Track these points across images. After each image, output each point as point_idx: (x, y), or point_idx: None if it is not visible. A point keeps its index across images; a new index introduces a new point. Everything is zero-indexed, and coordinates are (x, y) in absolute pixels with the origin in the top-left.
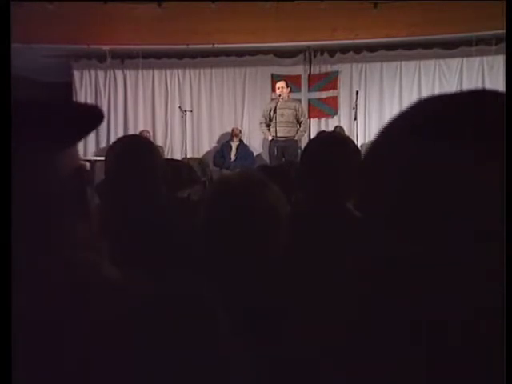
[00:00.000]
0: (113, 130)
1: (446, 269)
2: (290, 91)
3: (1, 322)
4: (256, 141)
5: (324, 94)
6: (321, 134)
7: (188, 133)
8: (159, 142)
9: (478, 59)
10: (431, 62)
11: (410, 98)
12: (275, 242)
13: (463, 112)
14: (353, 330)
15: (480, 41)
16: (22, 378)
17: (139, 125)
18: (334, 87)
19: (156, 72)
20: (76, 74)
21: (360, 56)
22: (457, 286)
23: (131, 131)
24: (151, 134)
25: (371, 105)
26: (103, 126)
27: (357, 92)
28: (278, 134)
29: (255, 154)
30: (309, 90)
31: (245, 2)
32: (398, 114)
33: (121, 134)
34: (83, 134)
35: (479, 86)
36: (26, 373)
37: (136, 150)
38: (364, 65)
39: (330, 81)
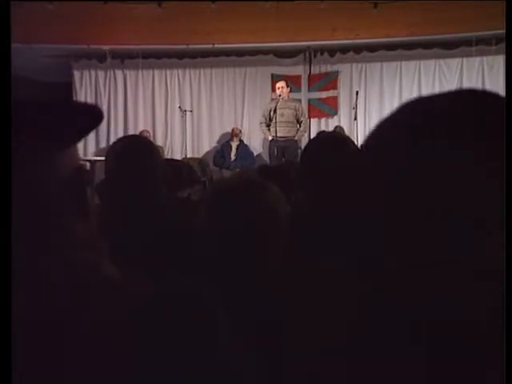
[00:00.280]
0: (113, 130)
1: (445, 269)
2: (290, 91)
3: (1, 322)
4: (256, 141)
5: (324, 94)
6: (321, 133)
7: (188, 133)
8: (159, 142)
9: (478, 59)
10: (431, 62)
11: (410, 98)
12: (275, 242)
13: (460, 111)
14: (353, 330)
15: (480, 41)
16: (22, 378)
17: (139, 125)
18: (334, 87)
19: (156, 72)
20: (76, 74)
21: (360, 56)
22: (457, 285)
23: (131, 131)
24: (151, 133)
25: (371, 105)
26: (103, 126)
27: (357, 92)
28: (278, 134)
29: (255, 153)
30: (309, 90)
31: (245, 1)
32: (398, 114)
33: (121, 134)
34: (83, 133)
35: (479, 86)
36: (26, 373)
37: (136, 150)
38: (364, 65)
39: (330, 81)
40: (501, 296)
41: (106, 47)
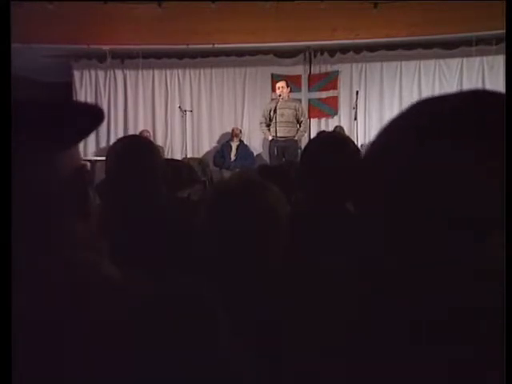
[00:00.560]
0: (113, 130)
1: (445, 269)
2: (290, 91)
3: (1, 322)
4: (256, 141)
5: (324, 94)
6: (321, 133)
7: (188, 133)
8: (159, 142)
9: (478, 59)
10: (431, 62)
11: (410, 98)
12: (275, 242)
13: (464, 112)
14: (353, 330)
15: (480, 41)
16: (22, 378)
17: (139, 125)
18: (334, 87)
19: (156, 72)
20: (76, 74)
21: (360, 56)
22: (457, 286)
23: (131, 131)
24: (151, 133)
25: (371, 105)
26: (103, 126)
27: (357, 92)
28: (278, 134)
29: (255, 153)
30: (309, 90)
31: (245, 1)
32: (399, 114)
33: (121, 134)
34: (83, 133)
35: (479, 86)
36: (26, 373)
37: (136, 150)
38: (364, 65)
39: (330, 81)
40: (501, 296)
41: (106, 47)
